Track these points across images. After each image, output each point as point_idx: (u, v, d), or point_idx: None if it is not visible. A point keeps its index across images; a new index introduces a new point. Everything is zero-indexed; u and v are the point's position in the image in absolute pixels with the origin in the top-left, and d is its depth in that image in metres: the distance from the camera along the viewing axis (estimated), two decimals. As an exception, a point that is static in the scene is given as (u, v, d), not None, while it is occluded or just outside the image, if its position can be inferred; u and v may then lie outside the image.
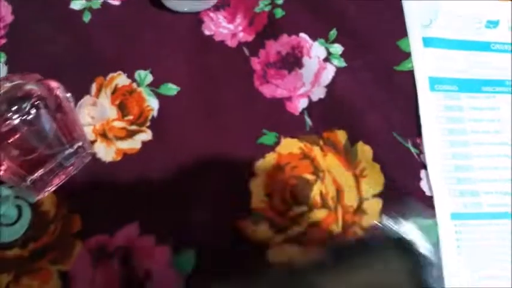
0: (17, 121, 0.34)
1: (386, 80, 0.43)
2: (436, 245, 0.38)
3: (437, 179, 0.39)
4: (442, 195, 0.39)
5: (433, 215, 0.38)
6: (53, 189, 0.38)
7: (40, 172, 0.36)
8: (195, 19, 0.44)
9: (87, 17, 0.44)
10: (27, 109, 0.35)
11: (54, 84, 0.38)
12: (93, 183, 0.39)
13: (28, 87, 0.36)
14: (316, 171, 0.40)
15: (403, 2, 0.46)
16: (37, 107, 0.35)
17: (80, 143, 0.37)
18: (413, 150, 0.41)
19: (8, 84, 0.36)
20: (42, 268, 0.37)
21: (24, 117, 0.35)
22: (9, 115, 0.34)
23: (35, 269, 0.37)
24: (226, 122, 0.41)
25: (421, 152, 0.41)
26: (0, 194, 0.37)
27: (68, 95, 0.38)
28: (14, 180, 0.37)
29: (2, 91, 0.36)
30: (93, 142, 0.40)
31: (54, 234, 0.38)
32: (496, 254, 0.38)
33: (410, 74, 0.43)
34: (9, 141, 0.35)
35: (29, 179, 0.36)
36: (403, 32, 0.45)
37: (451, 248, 0.38)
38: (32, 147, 0.36)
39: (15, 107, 0.35)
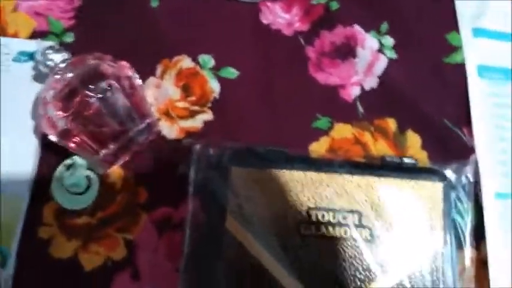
0: (93, 99, 0.37)
1: (436, 72, 0.45)
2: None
3: (484, 160, 0.42)
4: (488, 176, 0.41)
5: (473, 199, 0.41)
6: (121, 162, 0.40)
7: (112, 146, 0.38)
8: (254, 8, 0.46)
9: (155, 3, 0.46)
10: (103, 88, 0.38)
11: (126, 64, 0.40)
12: (157, 159, 0.41)
13: (104, 67, 0.39)
14: (367, 156, 0.42)
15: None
16: (112, 86, 0.38)
17: (149, 120, 0.40)
18: (462, 135, 0.43)
19: (86, 64, 0.39)
20: (109, 235, 0.39)
21: (100, 95, 0.37)
22: (86, 93, 0.37)
23: (103, 236, 0.39)
24: (283, 105, 0.43)
25: (470, 136, 0.43)
26: (75, 164, 0.39)
27: (136, 75, 0.41)
28: (86, 153, 0.39)
29: (80, 70, 0.38)
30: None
31: (121, 204, 0.40)
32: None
33: (459, 65, 0.45)
34: (84, 115, 0.38)
35: (102, 153, 0.38)
36: (451, 26, 0.47)
37: (495, 226, 0.40)
38: (104, 123, 0.38)
39: (92, 85, 0.37)
